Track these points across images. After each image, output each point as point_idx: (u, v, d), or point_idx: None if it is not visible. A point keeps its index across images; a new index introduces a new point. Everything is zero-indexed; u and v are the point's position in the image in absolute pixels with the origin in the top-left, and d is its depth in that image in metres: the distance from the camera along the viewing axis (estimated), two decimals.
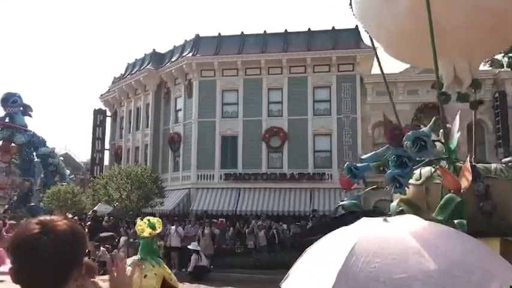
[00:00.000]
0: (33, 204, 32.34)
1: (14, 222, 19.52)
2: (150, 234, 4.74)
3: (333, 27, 27.51)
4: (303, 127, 25.95)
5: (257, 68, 27.04)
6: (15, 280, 1.33)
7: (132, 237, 19.90)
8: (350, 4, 3.19)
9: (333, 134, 25.77)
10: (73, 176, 39.83)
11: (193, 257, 16.93)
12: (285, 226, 20.51)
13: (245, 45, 27.71)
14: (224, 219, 21.58)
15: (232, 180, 25.94)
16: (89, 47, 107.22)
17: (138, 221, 4.99)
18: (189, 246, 17.19)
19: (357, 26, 27.19)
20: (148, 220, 4.95)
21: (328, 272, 1.46)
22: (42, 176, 35.34)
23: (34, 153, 34.91)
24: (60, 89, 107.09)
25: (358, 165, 2.64)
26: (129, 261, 4.68)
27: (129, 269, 4.37)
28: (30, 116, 35.15)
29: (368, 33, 3.20)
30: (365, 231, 1.61)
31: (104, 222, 23.69)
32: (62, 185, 30.63)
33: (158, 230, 4.86)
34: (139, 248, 4.82)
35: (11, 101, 33.71)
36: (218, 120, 27.01)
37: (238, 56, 27.04)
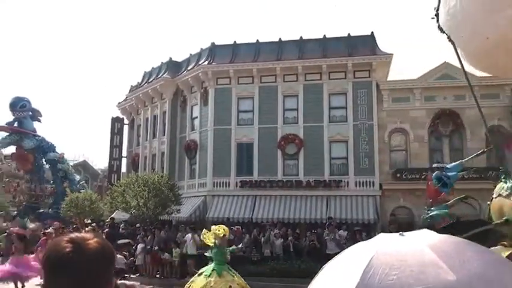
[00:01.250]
0: (42, 210, 32.34)
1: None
2: (215, 241, 4.71)
3: (349, 34, 27.48)
4: (319, 134, 25.87)
5: (272, 75, 27.09)
6: None
7: (149, 245, 20.03)
8: (436, 15, 3.31)
9: (349, 140, 25.63)
10: (83, 181, 39.32)
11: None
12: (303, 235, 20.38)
13: (260, 53, 27.83)
14: (240, 227, 21.57)
15: (248, 187, 25.95)
16: (107, 56, 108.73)
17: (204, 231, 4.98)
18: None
19: (372, 32, 27.21)
20: (220, 232, 4.85)
21: (345, 286, 1.47)
22: (51, 182, 35.17)
23: (43, 159, 34.59)
24: (78, 98, 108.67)
25: (449, 174, 2.68)
26: (207, 270, 4.70)
27: (210, 280, 4.31)
28: (39, 121, 34.68)
29: (453, 43, 3.32)
30: (382, 245, 1.62)
31: (121, 229, 23.86)
32: (80, 192, 30.96)
33: (221, 235, 4.82)
34: (213, 256, 4.80)
35: (20, 105, 33.20)
36: (234, 128, 27.09)
37: (253, 63, 27.14)
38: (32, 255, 14.21)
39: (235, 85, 27.54)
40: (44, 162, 34.76)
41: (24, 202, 32.65)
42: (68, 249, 1.30)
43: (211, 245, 4.69)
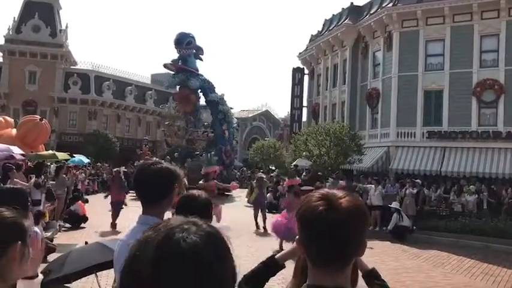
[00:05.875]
0: (197, 152, 30.55)
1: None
2: None
3: None
4: None
5: (467, 13, 24.14)
6: (303, 251, 1.32)
7: None
8: None
9: None
10: (236, 124, 35.43)
11: (395, 216, 16.37)
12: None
13: None
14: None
15: (437, 138, 24.16)
16: (287, 5, 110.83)
17: None
18: (390, 205, 16.69)
19: None
20: None
21: None
22: (205, 123, 32.64)
23: (204, 100, 31.83)
24: (262, 49, 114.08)
25: None
26: None
27: None
28: (201, 59, 31.05)
29: None
30: None
31: (302, 176, 24.67)
32: (265, 140, 32.55)
33: None
34: None
35: (186, 42, 29.75)
36: (421, 74, 25.19)
37: (445, 1, 24.48)
38: None
39: (423, 27, 25.33)
40: (205, 104, 32.37)
41: (183, 145, 30.64)
42: (321, 207, 1.25)
43: None
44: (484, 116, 23.68)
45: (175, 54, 30.11)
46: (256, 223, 15.07)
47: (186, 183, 13.25)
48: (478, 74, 23.66)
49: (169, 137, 31.70)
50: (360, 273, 1.96)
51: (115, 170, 16.21)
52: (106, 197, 15.46)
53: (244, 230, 14.05)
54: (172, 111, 32.43)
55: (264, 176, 18.43)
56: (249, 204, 18.11)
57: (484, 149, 22.74)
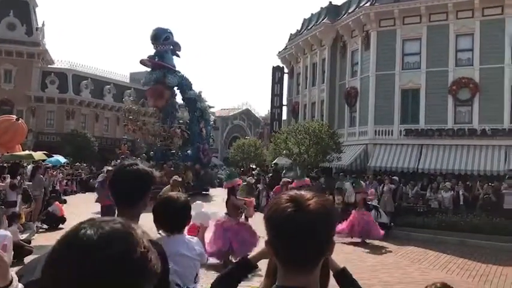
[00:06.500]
0: (173, 151, 29.42)
1: None
2: None
3: None
4: (498, 77, 22.93)
5: (443, 12, 24.53)
6: (272, 252, 1.32)
7: None
8: None
9: None
10: (212, 122, 34.09)
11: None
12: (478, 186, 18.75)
13: None
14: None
15: (414, 136, 24.52)
16: (266, 5, 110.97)
17: None
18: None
19: None
20: None
21: None
22: (180, 121, 31.10)
23: (181, 98, 30.95)
24: (242, 49, 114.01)
25: None
26: None
27: None
28: (178, 55, 30.25)
29: None
30: None
31: (283, 174, 24.78)
32: (246, 139, 32.52)
33: None
34: None
35: (164, 38, 28.75)
36: (398, 73, 25.51)
37: (421, 1, 24.81)
38: None
39: (400, 26, 25.65)
40: (181, 101, 31.54)
41: (158, 143, 29.04)
42: (289, 209, 1.26)
43: None
44: (459, 114, 24.10)
45: (152, 51, 29.26)
46: None
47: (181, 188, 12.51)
48: (453, 72, 24.07)
49: (132, 132, 29.78)
50: (331, 273, 1.99)
51: (108, 169, 14.59)
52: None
53: None
54: (135, 106, 30.62)
55: (253, 182, 18.42)
56: None
57: (459, 146, 23.17)
